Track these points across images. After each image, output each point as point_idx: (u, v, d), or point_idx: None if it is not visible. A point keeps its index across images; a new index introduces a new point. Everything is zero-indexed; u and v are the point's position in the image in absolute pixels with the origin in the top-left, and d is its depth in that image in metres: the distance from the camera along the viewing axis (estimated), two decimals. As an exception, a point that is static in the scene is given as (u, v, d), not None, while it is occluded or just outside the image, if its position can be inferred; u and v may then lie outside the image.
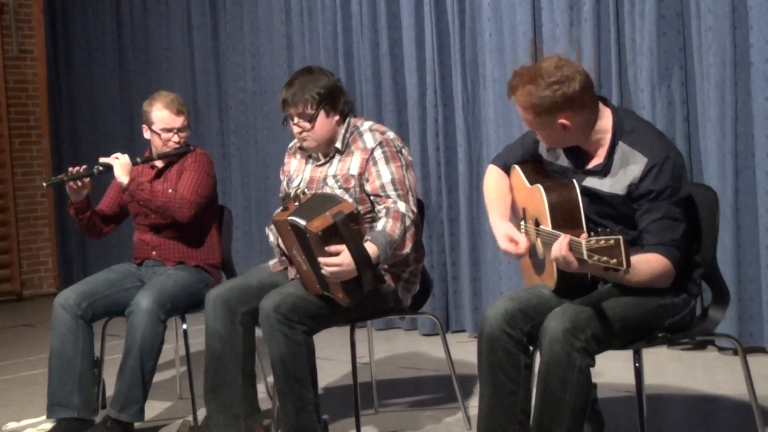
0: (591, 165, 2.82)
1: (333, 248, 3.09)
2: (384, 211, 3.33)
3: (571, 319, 2.59)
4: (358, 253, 3.11)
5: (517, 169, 3.03)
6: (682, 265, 2.74)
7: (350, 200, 3.37)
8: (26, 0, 8.78)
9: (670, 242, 2.68)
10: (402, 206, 3.33)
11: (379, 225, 3.29)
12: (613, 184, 2.76)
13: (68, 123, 8.55)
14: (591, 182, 2.80)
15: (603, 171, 2.79)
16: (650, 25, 4.68)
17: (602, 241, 2.32)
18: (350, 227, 3.12)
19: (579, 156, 2.86)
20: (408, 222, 3.32)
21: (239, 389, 3.42)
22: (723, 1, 4.44)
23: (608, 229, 2.35)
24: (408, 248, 3.33)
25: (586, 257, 2.35)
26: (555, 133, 2.78)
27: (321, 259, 3.10)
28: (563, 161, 2.91)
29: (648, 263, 2.63)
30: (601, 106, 2.81)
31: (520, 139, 3.13)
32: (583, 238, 2.41)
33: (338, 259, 3.09)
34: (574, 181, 2.81)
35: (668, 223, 2.69)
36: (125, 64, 7.97)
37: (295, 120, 3.44)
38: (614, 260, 2.32)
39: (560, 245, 2.49)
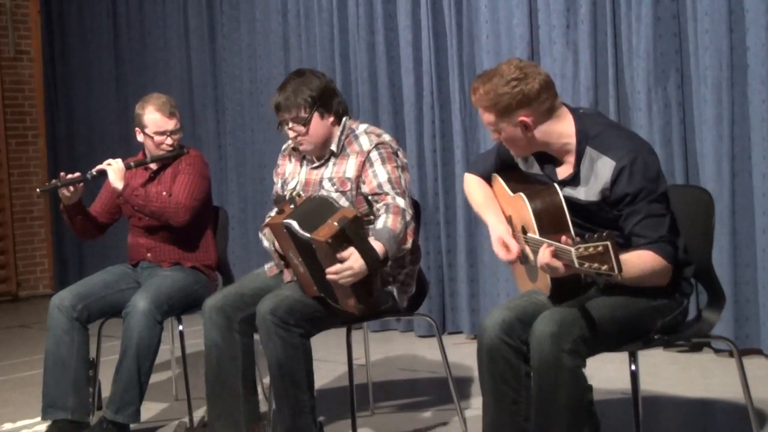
0: (564, 176, 2.81)
1: (344, 253, 3.07)
2: (383, 207, 3.32)
3: (558, 321, 2.59)
4: (369, 254, 3.11)
5: (498, 179, 3.01)
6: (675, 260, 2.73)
7: (347, 204, 3.36)
8: (23, 0, 8.77)
9: (658, 239, 2.67)
10: (401, 202, 3.33)
11: (380, 222, 3.27)
12: (587, 192, 2.76)
13: (65, 124, 8.54)
14: (567, 192, 2.79)
15: (575, 180, 2.78)
16: (647, 28, 4.68)
17: (591, 248, 2.32)
18: (357, 231, 3.12)
19: (551, 167, 2.85)
20: (408, 217, 3.31)
21: (240, 397, 3.40)
22: (719, 3, 4.44)
23: (596, 235, 2.35)
24: (409, 243, 3.32)
25: (577, 265, 2.35)
26: (518, 135, 2.76)
27: (332, 268, 3.08)
28: (538, 172, 2.90)
29: (640, 259, 2.62)
30: (563, 109, 2.80)
31: (495, 147, 3.09)
32: (566, 242, 2.40)
33: (349, 263, 3.08)
34: (556, 185, 2.80)
35: (652, 222, 2.68)
36: (122, 65, 7.97)
37: (290, 125, 3.43)
38: (605, 266, 2.32)
39: (543, 253, 2.49)
